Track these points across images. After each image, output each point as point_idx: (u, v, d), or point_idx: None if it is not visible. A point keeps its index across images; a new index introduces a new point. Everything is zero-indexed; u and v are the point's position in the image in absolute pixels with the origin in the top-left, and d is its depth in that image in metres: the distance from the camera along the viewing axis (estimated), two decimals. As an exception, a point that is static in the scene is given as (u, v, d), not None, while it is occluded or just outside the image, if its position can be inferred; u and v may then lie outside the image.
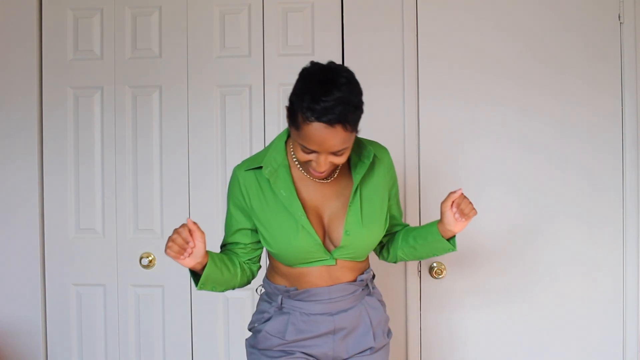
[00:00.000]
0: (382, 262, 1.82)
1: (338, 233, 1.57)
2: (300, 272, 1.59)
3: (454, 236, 1.65)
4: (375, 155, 1.63)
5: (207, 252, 1.51)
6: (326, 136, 1.39)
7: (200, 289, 1.54)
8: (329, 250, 1.57)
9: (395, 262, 1.79)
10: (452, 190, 1.59)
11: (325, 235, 1.58)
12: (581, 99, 2.30)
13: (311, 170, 1.50)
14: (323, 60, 2.34)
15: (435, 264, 2.31)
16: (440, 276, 2.31)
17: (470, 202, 1.58)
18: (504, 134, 2.32)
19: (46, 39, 2.45)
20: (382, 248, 1.79)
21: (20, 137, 2.44)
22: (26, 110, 2.44)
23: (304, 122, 1.40)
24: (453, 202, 1.58)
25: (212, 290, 1.58)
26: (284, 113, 2.37)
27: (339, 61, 2.38)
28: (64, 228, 2.45)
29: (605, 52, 2.29)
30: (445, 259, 2.31)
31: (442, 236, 1.63)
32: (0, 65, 2.45)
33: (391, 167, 1.70)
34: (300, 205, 1.54)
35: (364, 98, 2.33)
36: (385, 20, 2.35)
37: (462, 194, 1.58)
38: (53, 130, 2.45)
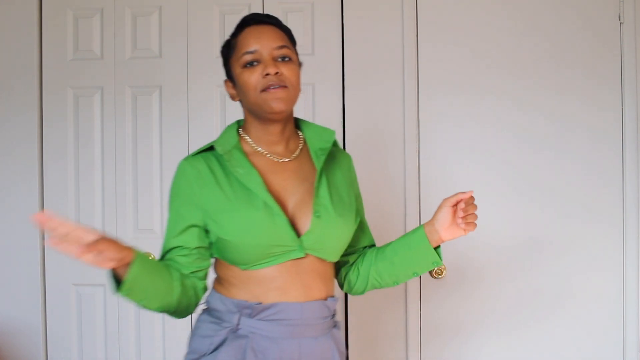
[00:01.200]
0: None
1: (306, 218, 1.36)
2: (264, 276, 1.34)
3: (439, 247, 1.45)
4: (336, 146, 1.52)
5: (132, 249, 1.25)
6: (261, 30, 1.39)
7: (125, 294, 1.24)
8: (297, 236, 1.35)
9: (362, 292, 1.55)
10: (462, 191, 1.39)
11: (290, 224, 1.36)
12: (581, 98, 2.30)
13: (270, 92, 1.34)
14: (323, 60, 2.37)
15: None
16: (440, 276, 2.30)
17: (476, 214, 1.40)
18: (504, 130, 2.32)
19: (46, 39, 2.45)
20: (348, 271, 1.55)
21: (20, 137, 2.44)
22: (26, 110, 2.44)
23: (236, 36, 1.42)
24: (459, 201, 1.38)
25: (140, 302, 1.29)
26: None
27: (339, 61, 2.38)
28: (64, 228, 2.45)
29: (605, 51, 2.29)
30: (445, 259, 2.30)
31: (429, 242, 1.42)
32: (0, 65, 2.45)
33: (353, 171, 1.56)
34: (260, 179, 1.35)
35: (363, 97, 2.35)
36: (386, 20, 2.35)
37: (473, 197, 1.38)
38: (53, 130, 2.45)
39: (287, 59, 1.38)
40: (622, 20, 2.29)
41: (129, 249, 1.24)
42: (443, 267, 2.30)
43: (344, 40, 2.38)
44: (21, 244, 2.44)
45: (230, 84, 1.45)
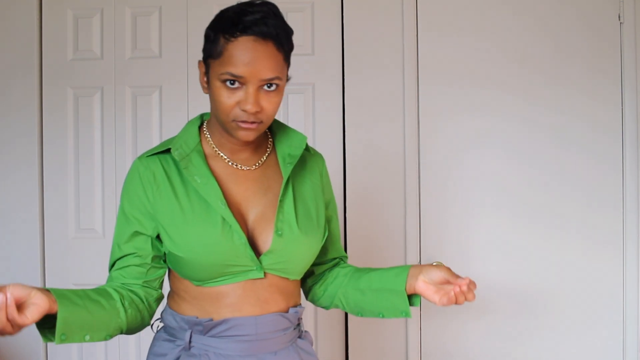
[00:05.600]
0: (379, 257, 1.77)
1: (267, 235, 1.24)
2: (218, 293, 1.23)
3: (418, 297, 1.32)
4: (308, 150, 1.39)
5: (49, 290, 1.08)
6: (256, 53, 1.15)
7: (63, 341, 1.10)
8: (256, 256, 1.23)
9: (327, 307, 1.44)
10: (458, 276, 1.24)
11: (249, 240, 1.24)
12: (581, 99, 2.30)
13: (241, 125, 1.19)
14: (323, 60, 2.37)
15: (435, 264, 2.30)
16: (440, 276, 2.30)
17: (468, 294, 1.23)
18: (505, 124, 2.32)
19: (46, 39, 2.45)
20: (315, 284, 1.44)
21: (20, 137, 2.44)
22: (26, 110, 2.44)
23: (227, 42, 1.17)
24: (457, 285, 1.22)
25: (87, 340, 1.16)
26: (282, 112, 2.39)
27: (339, 61, 2.38)
28: (64, 228, 2.45)
29: (605, 52, 2.29)
30: (446, 258, 2.31)
31: (406, 290, 1.29)
32: (0, 65, 2.45)
33: (326, 175, 1.42)
34: (220, 192, 1.22)
35: (363, 98, 2.35)
36: (386, 21, 2.36)
37: (471, 286, 1.22)
38: (53, 130, 2.45)
39: (273, 87, 1.19)
40: (622, 20, 2.29)
41: (48, 294, 1.06)
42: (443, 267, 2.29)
43: (344, 40, 2.38)
44: (21, 243, 2.44)
45: (203, 70, 1.27)
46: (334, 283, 1.41)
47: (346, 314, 2.35)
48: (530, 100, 2.31)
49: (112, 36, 2.44)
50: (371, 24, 2.36)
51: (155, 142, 2.42)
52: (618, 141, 2.29)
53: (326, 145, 2.31)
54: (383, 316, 1.34)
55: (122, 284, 1.27)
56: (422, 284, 1.28)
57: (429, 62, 2.34)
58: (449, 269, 1.27)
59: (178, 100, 2.42)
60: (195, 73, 2.40)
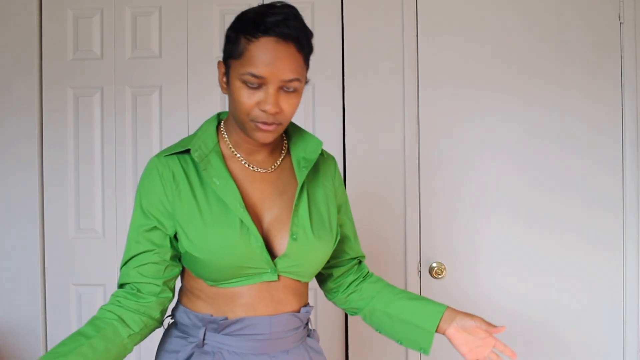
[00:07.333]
0: (379, 258, 1.77)
1: (282, 239, 1.26)
2: (233, 293, 1.25)
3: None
4: (322, 154, 1.39)
5: None
6: (277, 53, 1.16)
7: None
8: (271, 259, 1.25)
9: (345, 309, 1.49)
10: (492, 325, 1.31)
11: (264, 243, 1.25)
12: (581, 99, 2.30)
13: (260, 126, 1.20)
14: (323, 60, 2.37)
15: (435, 264, 2.31)
16: (440, 276, 2.30)
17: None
18: (505, 124, 2.32)
19: (46, 39, 2.45)
20: (338, 290, 1.48)
21: (20, 137, 2.44)
22: (26, 110, 2.44)
23: (249, 42, 1.17)
24: (491, 332, 1.30)
25: None
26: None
27: (339, 61, 2.38)
28: (64, 228, 2.45)
29: (605, 52, 2.29)
30: (446, 259, 2.31)
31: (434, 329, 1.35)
32: (0, 65, 2.45)
33: (339, 177, 1.43)
34: (238, 194, 1.23)
35: (363, 98, 2.35)
36: (386, 21, 2.36)
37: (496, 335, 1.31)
38: (53, 130, 2.45)
39: (292, 89, 1.20)
40: (622, 20, 2.29)
41: None
42: (443, 267, 2.30)
43: (344, 40, 2.38)
44: (21, 244, 2.44)
45: (223, 70, 1.26)
46: (362, 297, 1.44)
47: (346, 314, 2.35)
48: (530, 100, 2.31)
49: (112, 36, 2.44)
50: (371, 24, 2.36)
51: (155, 142, 2.42)
52: (618, 141, 2.29)
53: (326, 146, 2.31)
54: (401, 343, 1.40)
55: (138, 298, 1.25)
56: (454, 331, 1.33)
57: (429, 63, 2.34)
58: (481, 319, 1.32)
59: (178, 100, 2.42)
60: (195, 73, 2.40)
